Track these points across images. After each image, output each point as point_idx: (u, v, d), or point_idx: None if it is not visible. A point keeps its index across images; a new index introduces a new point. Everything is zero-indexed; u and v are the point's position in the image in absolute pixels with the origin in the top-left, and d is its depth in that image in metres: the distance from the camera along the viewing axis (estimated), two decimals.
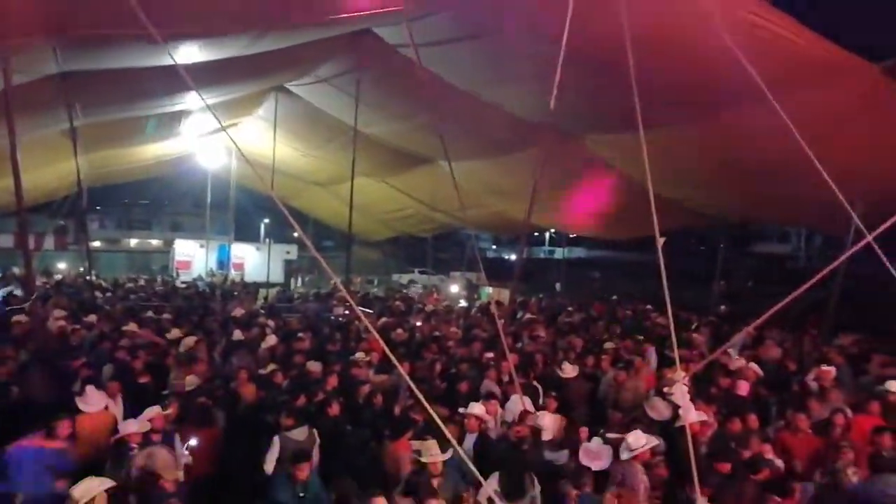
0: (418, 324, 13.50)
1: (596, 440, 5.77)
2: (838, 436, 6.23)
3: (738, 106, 8.62)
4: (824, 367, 8.36)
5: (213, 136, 20.63)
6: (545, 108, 7.20)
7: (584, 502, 5.18)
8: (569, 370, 8.48)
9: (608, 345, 10.59)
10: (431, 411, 4.44)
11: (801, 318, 16.27)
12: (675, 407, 6.52)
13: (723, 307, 16.82)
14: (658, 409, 6.72)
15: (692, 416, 6.09)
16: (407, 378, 4.84)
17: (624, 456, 5.56)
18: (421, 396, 4.31)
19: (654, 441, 5.76)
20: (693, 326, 12.87)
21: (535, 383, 8.24)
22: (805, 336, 11.94)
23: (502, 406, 7.29)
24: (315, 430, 6.26)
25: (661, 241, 4.82)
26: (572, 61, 6.29)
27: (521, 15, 8.49)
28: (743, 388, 7.87)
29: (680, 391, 6.41)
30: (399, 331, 12.01)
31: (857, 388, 8.64)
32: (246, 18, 8.26)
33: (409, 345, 11.01)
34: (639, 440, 5.61)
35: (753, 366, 8.99)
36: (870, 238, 7.60)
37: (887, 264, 7.11)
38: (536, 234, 31.22)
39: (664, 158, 10.87)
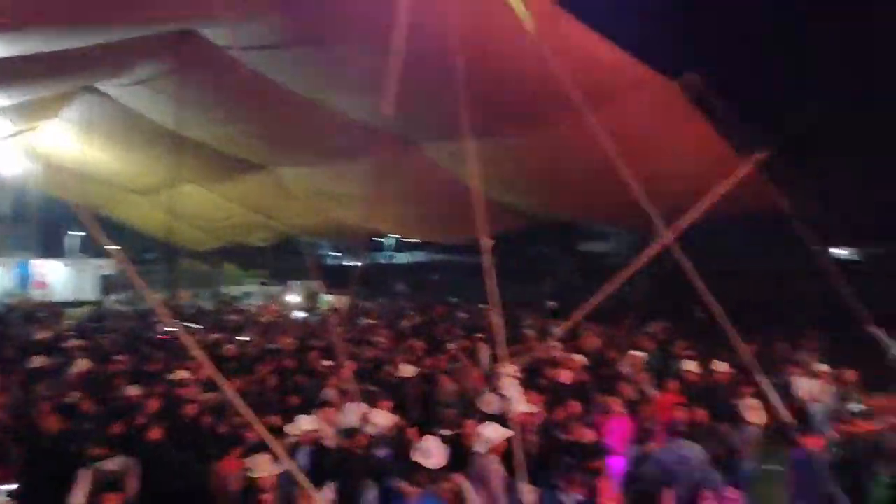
0: (248, 338, 12.95)
1: (430, 438, 5.86)
2: (645, 413, 6.88)
3: (561, 117, 9.22)
4: (635, 353, 9.20)
5: (10, 140, 18.24)
6: (381, 115, 7.24)
7: (425, 499, 5.21)
8: (406, 371, 8.56)
9: (450, 345, 10.88)
10: (258, 426, 4.25)
11: (618, 309, 17.89)
12: (506, 400, 6.80)
13: (551, 303, 17.94)
14: (489, 403, 6.98)
15: (520, 407, 6.39)
16: (231, 394, 4.60)
17: (480, 449, 5.68)
18: (247, 412, 4.12)
19: (510, 433, 5.91)
20: (524, 323, 13.60)
21: (373, 387, 8.22)
22: (621, 325, 13.10)
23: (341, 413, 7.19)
24: (133, 458, 5.74)
25: (487, 243, 5.03)
26: (406, 70, 6.39)
27: (351, 21, 8.45)
28: (565, 376, 8.42)
29: (508, 384, 6.72)
30: (230, 346, 11.42)
31: (665, 370, 9.61)
32: (49, 11, 7.39)
33: (241, 359, 10.50)
34: (495, 432, 5.73)
35: (578, 356, 9.67)
36: (669, 236, 8.53)
37: (682, 258, 8.03)
38: (377, 239, 31.29)
39: (497, 165, 11.42)
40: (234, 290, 29.56)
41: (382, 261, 33.69)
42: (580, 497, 5.12)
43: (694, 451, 5.90)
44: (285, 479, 5.12)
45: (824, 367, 9.17)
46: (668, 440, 6.08)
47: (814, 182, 11.94)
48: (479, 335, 11.83)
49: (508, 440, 5.69)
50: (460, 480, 5.17)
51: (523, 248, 27.61)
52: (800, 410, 8.07)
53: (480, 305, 17.02)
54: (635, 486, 5.45)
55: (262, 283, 30.88)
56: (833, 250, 15.21)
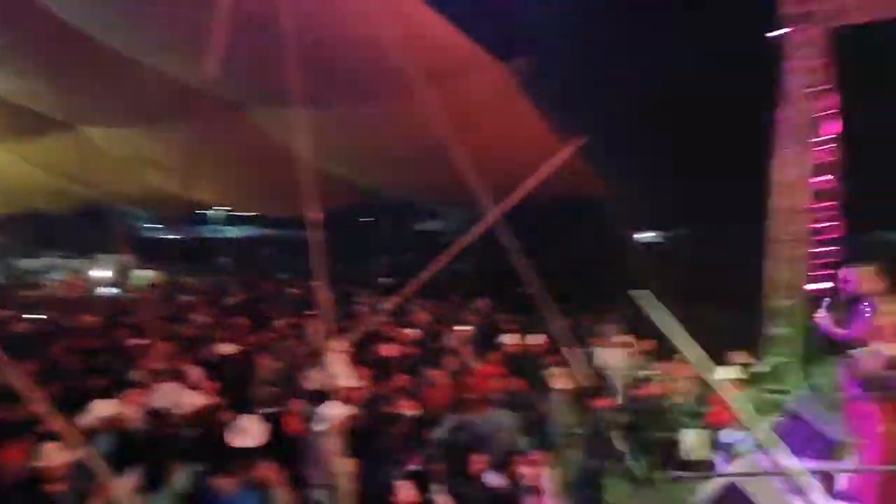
0: (43, 316, 11.59)
1: (246, 417, 5.61)
2: (465, 384, 7.19)
3: (395, 92, 9.18)
4: (460, 327, 9.55)
5: None
6: (204, 75, 6.73)
7: (241, 494, 4.95)
8: (225, 349, 8.15)
9: (277, 322, 10.54)
10: (48, 411, 3.81)
11: (448, 285, 18.48)
12: (332, 376, 6.72)
13: (385, 279, 18.05)
14: (314, 380, 6.85)
15: (344, 381, 6.36)
16: (17, 376, 4.09)
17: (318, 427, 5.53)
18: (35, 395, 3.68)
19: (350, 410, 5.81)
20: (356, 299, 13.55)
21: (188, 366, 7.71)
22: (448, 301, 13.53)
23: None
24: None
25: (315, 217, 4.87)
26: (234, 30, 5.98)
27: None
28: (393, 350, 8.50)
29: (335, 360, 6.65)
30: (21, 324, 10.14)
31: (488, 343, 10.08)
32: None
33: (34, 339, 9.36)
34: (333, 409, 5.61)
35: (408, 330, 9.83)
36: (495, 214, 8.90)
37: (507, 237, 8.43)
38: (203, 212, 29.29)
39: (330, 137, 11.14)
40: (30, 264, 26.18)
41: (209, 234, 31.65)
42: (408, 468, 5.22)
43: (506, 419, 6.28)
44: (83, 467, 4.64)
45: (625, 338, 10.16)
46: (484, 409, 6.40)
47: (624, 168, 13.12)
48: (309, 312, 11.57)
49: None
50: (272, 466, 4.99)
51: (359, 224, 27.48)
52: (599, 377, 8.91)
53: (313, 282, 16.63)
54: (449, 452, 5.66)
55: (64, 256, 27.62)
56: (643, 234, 16.78)
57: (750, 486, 4.09)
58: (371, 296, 14.23)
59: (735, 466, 5.74)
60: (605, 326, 11.63)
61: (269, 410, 5.96)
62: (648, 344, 10.07)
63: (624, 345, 9.90)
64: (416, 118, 8.30)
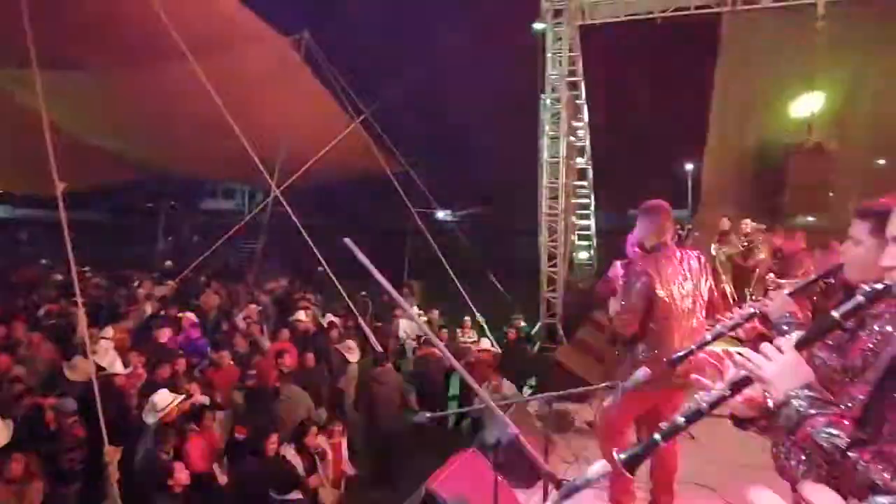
0: None
1: None
2: (256, 363, 7.11)
3: (167, 63, 8.54)
4: (251, 307, 9.33)
5: None
6: None
7: None
8: None
9: (39, 312, 9.42)
10: None
11: (241, 266, 17.80)
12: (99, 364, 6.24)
13: (168, 262, 16.87)
14: (77, 369, 6.29)
15: (116, 367, 5.96)
16: None
17: (149, 420, 5.13)
18: None
19: (180, 398, 5.45)
20: (135, 283, 12.52)
21: None
22: (240, 282, 13.07)
23: None
24: None
25: (60, 186, 4.40)
26: None
27: None
28: (165, 335, 7.99)
29: (103, 348, 6.20)
30: None
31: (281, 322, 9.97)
32: None
33: None
34: (165, 399, 5.27)
35: (189, 315, 9.34)
36: (276, 192, 8.78)
37: (292, 215, 8.39)
38: None
39: (90, 104, 10.06)
40: None
41: None
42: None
43: (299, 394, 6.34)
44: None
45: (419, 310, 10.75)
46: (278, 385, 6.41)
47: (414, 146, 13.64)
48: (76, 300, 10.47)
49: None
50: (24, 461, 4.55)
51: (139, 203, 25.21)
52: (395, 343, 9.39)
53: (84, 268, 15.02)
54: (247, 430, 5.59)
55: None
56: (439, 212, 17.53)
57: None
58: (152, 280, 13.23)
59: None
60: (404, 299, 12.13)
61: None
62: (435, 313, 10.80)
63: (418, 314, 10.45)
64: (189, 87, 7.85)
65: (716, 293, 3.73)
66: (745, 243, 6.42)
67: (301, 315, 9.11)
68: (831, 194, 9.54)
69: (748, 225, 6.63)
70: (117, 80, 9.46)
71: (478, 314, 10.71)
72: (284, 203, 8.19)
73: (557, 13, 10.07)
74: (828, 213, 9.81)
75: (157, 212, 24.01)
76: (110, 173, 13.54)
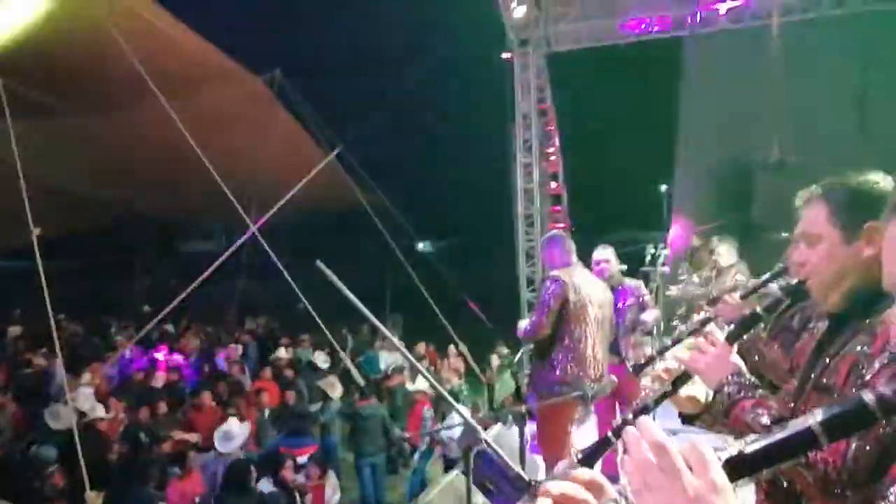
0: None
1: None
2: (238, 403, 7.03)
3: (140, 106, 8.59)
4: (232, 347, 9.27)
5: None
6: None
7: None
8: None
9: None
10: None
11: (221, 306, 17.63)
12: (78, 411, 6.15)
13: (147, 307, 16.67)
14: (58, 416, 6.19)
15: (98, 413, 5.89)
16: None
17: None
18: None
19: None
20: (112, 329, 12.39)
21: None
22: (224, 322, 12.99)
23: None
24: None
25: (35, 231, 4.41)
26: None
27: None
28: (159, 379, 7.99)
29: (84, 394, 6.13)
30: None
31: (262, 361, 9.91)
32: None
33: None
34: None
35: (176, 356, 9.28)
36: (254, 229, 8.79)
37: (270, 252, 8.39)
38: None
39: (63, 150, 10.04)
40: None
41: None
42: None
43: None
44: None
45: (399, 343, 10.71)
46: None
47: (391, 179, 13.74)
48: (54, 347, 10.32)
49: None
50: None
51: (113, 247, 24.87)
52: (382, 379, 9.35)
53: (60, 316, 14.78)
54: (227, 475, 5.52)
55: None
56: (419, 244, 17.56)
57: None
58: (128, 324, 13.09)
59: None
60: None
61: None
62: (421, 346, 10.80)
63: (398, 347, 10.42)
64: (161, 130, 7.91)
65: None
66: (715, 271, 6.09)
67: (282, 353, 9.07)
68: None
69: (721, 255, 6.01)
70: (90, 125, 9.49)
71: (460, 343, 10.71)
72: (262, 241, 8.20)
73: (523, 42, 10.33)
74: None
75: (134, 256, 23.76)
76: (87, 219, 13.46)
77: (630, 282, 4.93)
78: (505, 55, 10.65)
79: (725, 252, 5.52)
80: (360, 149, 10.43)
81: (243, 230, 8.71)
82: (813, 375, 1.35)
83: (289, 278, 8.46)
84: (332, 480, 5.90)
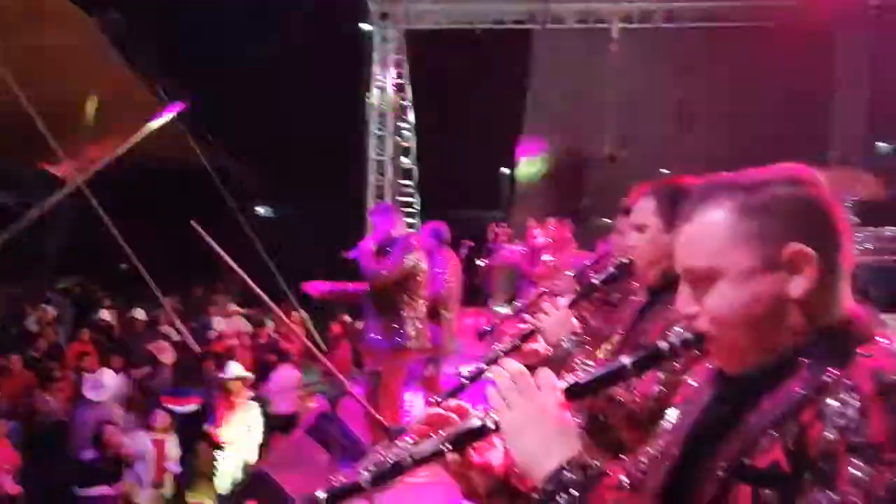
0: None
1: None
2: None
3: None
4: (44, 307, 8.45)
5: None
6: None
7: None
8: None
9: None
10: None
11: (30, 263, 15.82)
12: None
13: None
14: None
15: None
16: None
17: None
18: None
19: None
20: None
21: None
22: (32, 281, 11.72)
23: None
24: None
25: None
26: None
27: None
28: None
29: None
30: None
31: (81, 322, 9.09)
32: None
33: None
34: None
35: None
36: (78, 181, 7.99)
37: (97, 207, 7.69)
38: None
39: None
40: None
41: None
42: None
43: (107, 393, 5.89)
44: None
45: (237, 307, 10.39)
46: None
47: (237, 139, 13.03)
48: None
49: None
50: None
51: None
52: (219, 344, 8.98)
53: None
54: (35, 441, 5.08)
55: None
56: (260, 209, 16.89)
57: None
58: None
59: None
60: (218, 297, 11.66)
61: None
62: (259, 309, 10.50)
63: (236, 312, 10.10)
64: None
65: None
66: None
67: (105, 314, 8.40)
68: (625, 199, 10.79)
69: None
70: None
71: (301, 310, 10.57)
72: (88, 193, 7.52)
73: (384, 16, 10.33)
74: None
75: None
76: None
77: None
78: (365, 26, 10.58)
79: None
80: (204, 106, 9.83)
81: (58, 180, 7.95)
82: (632, 336, 1.68)
83: (118, 237, 7.85)
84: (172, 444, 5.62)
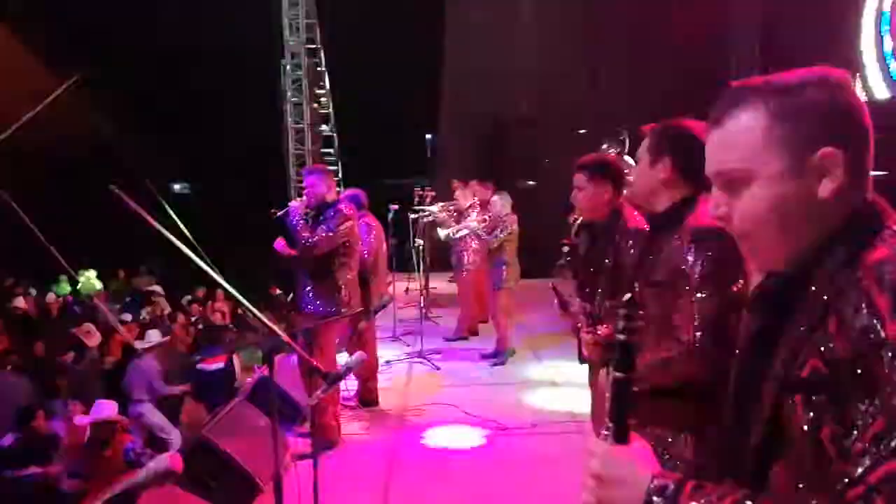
0: None
1: None
2: None
3: None
4: None
5: None
6: None
7: None
8: None
9: None
10: None
11: None
12: None
13: None
14: None
15: None
16: None
17: None
18: None
19: None
20: None
21: None
22: None
23: None
24: None
25: None
26: None
27: None
28: None
29: None
30: None
31: None
32: None
33: None
34: None
35: None
36: None
37: None
38: None
39: None
40: None
41: None
42: None
43: (14, 381, 5.69)
44: None
45: (158, 288, 10.13)
46: None
47: (147, 115, 12.37)
48: None
49: None
50: None
51: None
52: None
53: None
54: None
55: None
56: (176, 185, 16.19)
57: None
58: None
59: None
60: (139, 278, 11.35)
61: None
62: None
63: (159, 295, 9.86)
64: None
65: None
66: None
67: (20, 302, 8.03)
68: (547, 161, 11.05)
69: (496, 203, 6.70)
70: None
71: (227, 286, 10.38)
72: None
73: None
74: (539, 178, 11.52)
75: None
76: None
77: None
78: None
79: (499, 202, 6.18)
80: (111, 81, 9.33)
81: None
82: (640, 273, 1.83)
83: (24, 216, 7.46)
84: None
